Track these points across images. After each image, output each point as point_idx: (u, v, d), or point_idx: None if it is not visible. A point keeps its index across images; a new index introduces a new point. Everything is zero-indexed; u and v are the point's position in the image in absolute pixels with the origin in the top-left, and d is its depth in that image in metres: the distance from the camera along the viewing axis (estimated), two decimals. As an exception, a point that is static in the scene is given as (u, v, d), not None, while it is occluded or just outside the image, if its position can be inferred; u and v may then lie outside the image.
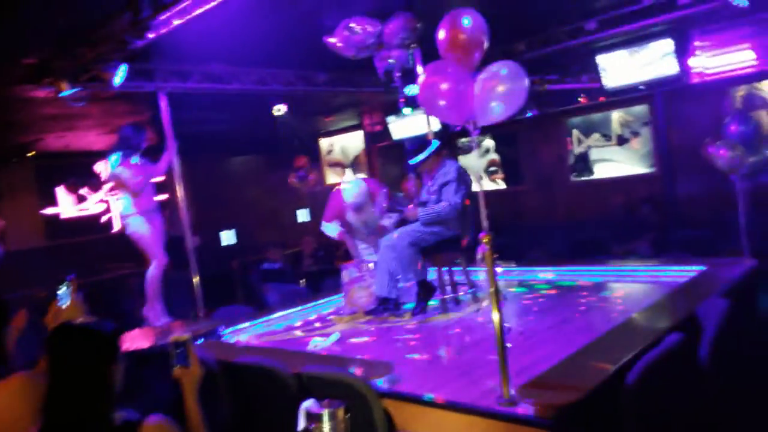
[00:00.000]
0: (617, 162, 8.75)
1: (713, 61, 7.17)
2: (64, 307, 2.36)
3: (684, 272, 4.75)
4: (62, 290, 2.37)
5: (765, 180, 6.33)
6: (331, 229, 5.72)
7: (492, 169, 10.05)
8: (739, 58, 7.12)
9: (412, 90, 6.44)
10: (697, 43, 7.11)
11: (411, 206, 4.94)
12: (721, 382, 3.09)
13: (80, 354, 1.81)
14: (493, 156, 10.05)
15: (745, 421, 3.23)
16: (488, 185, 9.90)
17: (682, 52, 7.06)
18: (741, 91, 7.40)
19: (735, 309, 3.31)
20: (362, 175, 5.42)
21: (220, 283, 5.88)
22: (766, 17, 6.59)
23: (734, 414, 3.18)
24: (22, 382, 2.05)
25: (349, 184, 5.49)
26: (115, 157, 5.15)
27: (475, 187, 4.80)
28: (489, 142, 10.02)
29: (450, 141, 5.10)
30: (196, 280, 5.52)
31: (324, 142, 11.84)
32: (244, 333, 4.86)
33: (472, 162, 8.20)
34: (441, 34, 2.82)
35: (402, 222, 5.14)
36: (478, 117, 2.78)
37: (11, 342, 2.54)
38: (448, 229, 4.73)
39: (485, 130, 3.13)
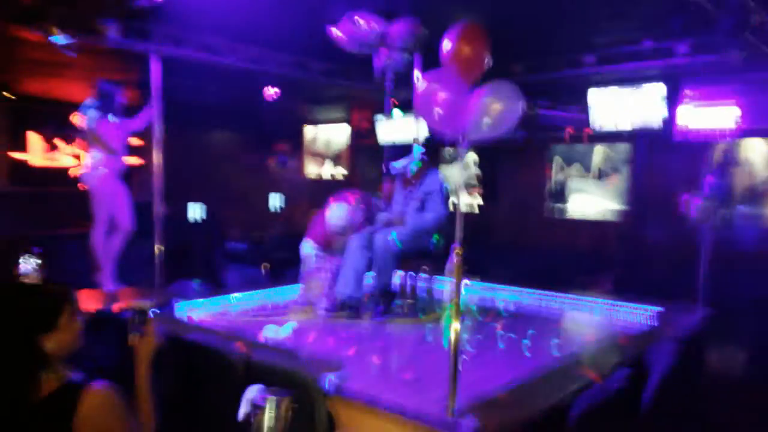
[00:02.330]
0: (593, 195, 8.89)
1: (699, 113, 7.34)
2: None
3: (640, 312, 4.87)
4: (27, 261, 2.32)
5: (728, 235, 6.51)
6: (309, 249, 5.17)
7: (472, 183, 10.11)
8: (724, 114, 7.30)
9: (404, 94, 6.43)
10: (687, 92, 7.28)
11: (392, 213, 4.95)
12: (663, 423, 3.16)
13: (12, 319, 1.76)
14: (476, 171, 10.12)
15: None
16: (466, 200, 9.97)
17: (671, 100, 7.22)
18: (721, 147, 7.59)
19: (683, 355, 3.39)
20: (344, 203, 5.21)
21: (181, 257, 5.78)
22: (756, 77, 6.79)
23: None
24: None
25: (335, 206, 5.13)
26: (91, 111, 5.08)
27: (453, 200, 4.84)
28: (473, 157, 10.08)
29: (436, 150, 5.13)
30: (158, 249, 5.41)
31: (309, 131, 11.78)
32: (197, 311, 4.80)
33: (454, 174, 8.25)
34: (446, 44, 2.82)
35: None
36: (469, 132, 2.79)
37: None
38: (427, 239, 4.76)
39: (473, 145, 3.24)
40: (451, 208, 4.82)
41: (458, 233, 2.79)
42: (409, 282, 5.01)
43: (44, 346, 1.75)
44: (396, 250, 4.67)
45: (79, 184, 5.29)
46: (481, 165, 10.02)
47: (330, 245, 5.04)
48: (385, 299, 4.77)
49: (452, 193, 4.90)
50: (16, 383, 1.70)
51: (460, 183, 3.32)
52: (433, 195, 4.74)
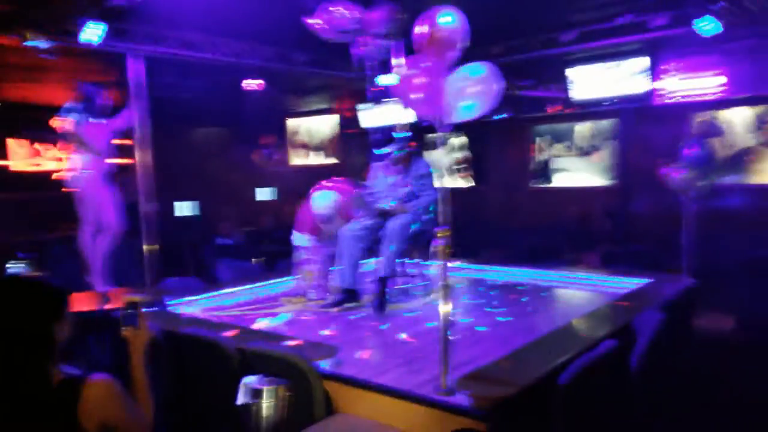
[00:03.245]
0: (577, 173, 8.98)
1: (679, 84, 7.43)
2: None
3: (627, 284, 4.98)
4: (14, 267, 2.34)
5: (712, 204, 6.61)
6: (300, 240, 5.20)
7: (461, 166, 10.16)
8: (704, 84, 7.40)
9: (384, 80, 6.45)
10: (665, 66, 7.36)
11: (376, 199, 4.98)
12: (650, 391, 3.24)
13: (26, 307, 1.79)
14: (464, 153, 10.16)
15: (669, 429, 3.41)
16: (456, 183, 10.02)
17: (651, 73, 7.29)
18: (700, 117, 7.68)
19: (669, 323, 3.48)
20: (328, 191, 5.19)
21: (171, 254, 5.78)
22: (735, 47, 6.86)
23: (659, 422, 3.35)
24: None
25: (318, 194, 5.11)
26: (72, 114, 5.06)
27: (438, 184, 4.87)
28: (461, 139, 10.12)
29: (421, 136, 5.19)
30: (147, 248, 5.40)
31: (291, 123, 11.76)
32: (191, 306, 4.82)
33: (439, 158, 8.27)
34: (418, 29, 2.85)
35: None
36: (448, 114, 2.83)
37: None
38: (425, 224, 4.79)
39: (458, 128, 3.29)
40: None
41: (445, 217, 2.84)
42: (399, 267, 5.04)
43: (55, 334, 1.80)
44: (407, 236, 4.68)
45: (63, 188, 5.27)
46: (468, 147, 10.07)
47: (320, 234, 5.05)
48: (385, 285, 4.77)
49: (439, 177, 4.92)
50: (33, 371, 1.74)
51: (446, 166, 3.35)
52: (426, 177, 4.78)
